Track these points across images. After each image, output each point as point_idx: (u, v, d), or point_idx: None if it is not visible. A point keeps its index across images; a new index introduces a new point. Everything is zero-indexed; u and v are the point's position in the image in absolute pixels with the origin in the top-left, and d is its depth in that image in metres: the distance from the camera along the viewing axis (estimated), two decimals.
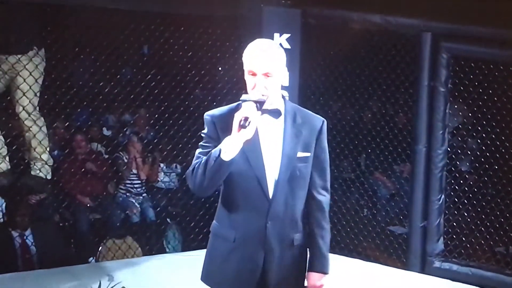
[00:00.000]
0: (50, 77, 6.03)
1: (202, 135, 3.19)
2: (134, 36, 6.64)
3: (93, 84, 6.72)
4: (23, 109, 5.55)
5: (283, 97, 3.25)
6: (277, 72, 3.13)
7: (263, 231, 3.14)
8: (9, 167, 5.61)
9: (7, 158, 5.60)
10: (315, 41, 6.13)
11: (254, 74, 3.10)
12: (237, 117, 2.99)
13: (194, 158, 3.14)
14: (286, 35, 5.88)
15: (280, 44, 5.83)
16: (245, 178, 3.12)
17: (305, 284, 3.29)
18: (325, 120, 3.28)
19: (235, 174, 3.09)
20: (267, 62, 3.09)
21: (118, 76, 6.73)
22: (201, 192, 3.12)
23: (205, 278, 3.28)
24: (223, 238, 3.20)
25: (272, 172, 3.15)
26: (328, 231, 3.30)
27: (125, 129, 7.33)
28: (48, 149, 5.77)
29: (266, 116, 3.12)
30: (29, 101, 5.56)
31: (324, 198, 3.28)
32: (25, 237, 5.64)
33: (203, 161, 3.05)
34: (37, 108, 5.66)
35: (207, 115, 3.21)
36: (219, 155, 2.99)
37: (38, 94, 5.64)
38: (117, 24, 6.49)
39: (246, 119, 2.98)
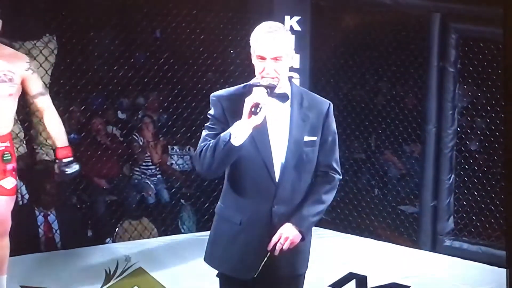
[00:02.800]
0: (66, 61, 6.12)
1: (209, 116, 3.17)
2: (146, 20, 6.71)
3: (107, 68, 6.80)
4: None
5: (290, 80, 3.24)
6: (286, 56, 3.12)
7: (269, 215, 3.15)
8: (27, 150, 5.68)
9: (25, 141, 5.67)
10: (325, 23, 6.16)
11: (263, 58, 3.07)
12: (248, 103, 2.98)
13: (201, 140, 3.12)
14: (297, 18, 5.91)
15: (291, 27, 5.91)
16: (252, 162, 3.12)
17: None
18: (331, 103, 3.28)
19: (242, 157, 3.09)
20: (276, 46, 3.07)
21: (132, 60, 6.79)
22: (209, 174, 3.12)
23: (208, 258, 3.29)
24: (229, 220, 3.19)
25: (279, 156, 3.15)
26: (323, 204, 3.23)
27: (139, 112, 7.40)
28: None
29: (273, 100, 3.10)
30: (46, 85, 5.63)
31: (332, 176, 3.26)
32: (49, 223, 5.73)
33: (211, 145, 3.04)
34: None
35: (214, 96, 3.19)
36: (229, 140, 2.99)
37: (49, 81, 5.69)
38: (130, 8, 6.57)
39: (257, 105, 2.97)
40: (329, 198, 3.26)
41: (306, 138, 3.17)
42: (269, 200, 3.15)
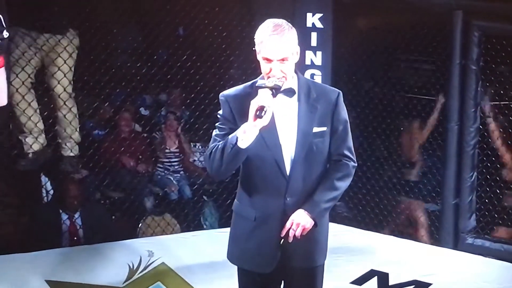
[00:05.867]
0: (89, 58, 6.18)
1: (218, 116, 3.21)
2: (169, 18, 6.75)
3: (130, 65, 6.85)
4: (64, 89, 5.65)
5: (297, 72, 3.23)
6: (292, 55, 3.11)
7: (282, 209, 3.18)
8: (46, 142, 5.72)
9: (43, 133, 5.70)
10: (347, 21, 6.16)
11: (269, 61, 3.07)
12: (253, 106, 2.98)
13: (211, 140, 3.15)
14: (319, 15, 5.92)
15: (313, 24, 5.92)
16: (262, 159, 3.15)
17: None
18: (340, 92, 3.27)
19: (252, 155, 3.12)
20: (282, 48, 3.06)
21: (155, 57, 6.84)
22: (218, 176, 3.15)
23: (230, 256, 3.35)
24: (244, 217, 3.25)
25: (288, 150, 3.17)
26: (336, 190, 3.23)
27: (161, 109, 7.45)
28: (78, 129, 5.86)
29: (280, 96, 3.10)
30: (69, 82, 5.67)
31: (345, 162, 3.26)
32: (74, 219, 5.81)
33: (220, 147, 3.06)
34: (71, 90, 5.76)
35: (222, 95, 3.21)
36: (236, 142, 3.00)
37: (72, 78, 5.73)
38: (152, 6, 6.62)
39: (262, 108, 2.97)
40: (342, 185, 3.26)
41: (315, 129, 3.18)
42: (281, 194, 3.18)
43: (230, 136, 3.05)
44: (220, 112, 3.20)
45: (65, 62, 5.61)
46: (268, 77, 3.08)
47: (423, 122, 6.17)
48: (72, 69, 5.69)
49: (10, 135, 5.70)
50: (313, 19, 5.90)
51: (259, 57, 3.13)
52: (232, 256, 3.34)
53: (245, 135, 2.99)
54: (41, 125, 5.65)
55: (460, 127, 5.55)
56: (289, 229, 3.14)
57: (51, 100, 5.76)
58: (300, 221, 3.15)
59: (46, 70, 5.65)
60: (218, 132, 3.17)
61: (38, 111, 5.61)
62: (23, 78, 5.44)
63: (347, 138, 3.28)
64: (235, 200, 3.35)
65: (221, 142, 3.09)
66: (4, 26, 4.76)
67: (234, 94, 3.21)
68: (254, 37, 3.14)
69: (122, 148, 6.54)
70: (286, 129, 3.17)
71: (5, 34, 4.79)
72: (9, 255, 5.16)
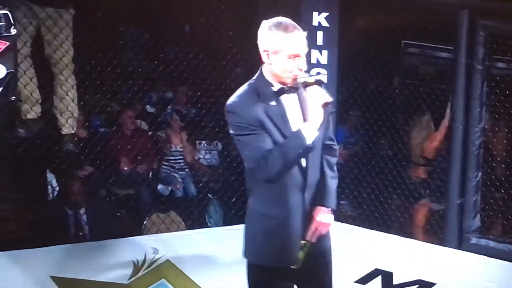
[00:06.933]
0: (96, 56, 6.20)
1: (240, 125, 3.13)
2: (175, 15, 6.77)
3: (137, 63, 6.88)
4: (60, 59, 5.54)
5: None
6: None
7: (302, 202, 3.22)
8: (40, 113, 5.63)
9: (39, 103, 5.61)
10: (353, 19, 6.17)
11: (297, 56, 3.10)
12: (315, 102, 3.07)
13: (251, 149, 3.10)
14: (325, 14, 5.92)
15: (319, 23, 5.93)
16: None
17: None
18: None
19: None
20: (305, 43, 3.13)
21: (161, 55, 6.86)
22: (277, 178, 3.14)
23: (249, 254, 3.33)
24: (265, 215, 3.23)
25: None
26: (337, 177, 3.35)
27: (167, 107, 7.47)
28: (75, 100, 5.76)
29: (288, 91, 3.16)
30: (66, 52, 5.55)
31: (335, 148, 3.36)
32: (79, 215, 5.82)
33: (278, 151, 3.07)
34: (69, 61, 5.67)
35: (233, 107, 3.14)
36: (302, 141, 3.06)
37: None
38: (158, 3, 6.64)
39: (327, 103, 3.08)
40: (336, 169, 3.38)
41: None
42: (300, 187, 3.21)
43: (288, 137, 3.09)
44: (239, 120, 3.13)
45: (61, 32, 5.50)
46: (294, 75, 3.11)
47: (433, 118, 6.17)
48: (70, 39, 5.57)
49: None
50: (319, 18, 5.90)
51: (278, 56, 3.12)
52: (253, 254, 3.32)
53: (310, 132, 3.07)
54: (36, 95, 5.57)
55: (465, 127, 5.54)
56: (315, 230, 3.22)
57: (49, 71, 5.66)
58: (325, 220, 3.25)
59: (44, 39, 5.55)
60: (257, 141, 3.10)
61: (34, 80, 5.51)
62: (19, 46, 5.24)
63: (331, 122, 3.37)
64: (250, 200, 3.33)
65: (272, 147, 3.09)
66: (12, 22, 4.80)
67: (242, 101, 3.16)
68: (266, 38, 3.13)
69: (129, 146, 6.56)
70: (297, 122, 3.19)
71: (13, 31, 4.83)
72: (14, 251, 5.18)
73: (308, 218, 3.23)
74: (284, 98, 3.16)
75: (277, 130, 3.13)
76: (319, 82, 3.11)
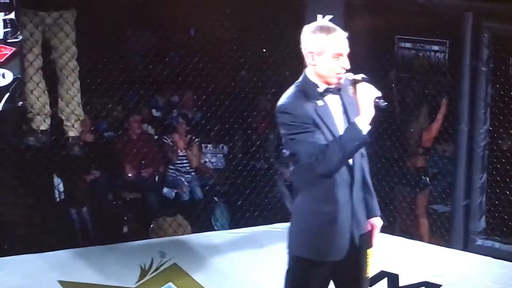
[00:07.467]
0: (102, 60, 6.23)
1: (294, 124, 3.24)
2: (181, 19, 6.80)
3: (143, 67, 6.91)
4: (66, 63, 5.54)
5: None
6: None
7: (350, 198, 3.35)
8: (51, 122, 5.65)
9: (49, 116, 5.64)
10: (358, 22, 6.17)
11: (340, 55, 3.25)
12: (369, 97, 3.20)
13: (308, 145, 3.21)
14: (329, 16, 5.93)
15: None
16: None
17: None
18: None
19: None
20: (346, 42, 3.29)
21: (167, 59, 6.89)
22: (335, 172, 3.26)
23: (297, 249, 3.41)
24: (316, 211, 3.33)
25: None
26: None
27: (173, 111, 7.50)
28: (80, 104, 5.74)
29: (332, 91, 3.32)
30: (71, 57, 5.55)
31: (363, 151, 3.46)
32: (83, 215, 5.85)
33: (336, 144, 3.20)
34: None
35: (286, 107, 3.27)
36: (359, 133, 3.18)
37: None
38: (164, 7, 6.66)
39: (380, 97, 3.22)
40: None
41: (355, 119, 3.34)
42: (348, 184, 3.34)
43: (344, 131, 3.23)
44: (292, 119, 3.25)
45: (67, 36, 5.50)
46: (338, 74, 3.26)
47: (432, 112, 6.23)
48: (75, 44, 5.56)
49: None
50: (323, 21, 5.90)
51: (323, 57, 3.25)
52: (302, 250, 3.40)
53: (365, 126, 3.19)
54: (48, 107, 5.60)
55: (470, 129, 5.54)
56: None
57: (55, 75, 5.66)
58: (379, 226, 3.55)
59: (49, 44, 5.55)
60: (313, 137, 3.23)
61: (46, 92, 5.55)
62: (31, 59, 5.35)
63: None
64: (298, 197, 3.41)
65: (325, 142, 3.21)
66: (18, 28, 4.83)
67: (294, 101, 3.29)
68: (310, 41, 3.28)
69: (134, 150, 6.59)
70: (340, 120, 3.33)
71: (19, 36, 4.86)
72: (21, 256, 5.21)
73: (355, 214, 3.37)
74: (328, 98, 3.31)
75: (326, 128, 3.26)
76: (366, 79, 3.26)
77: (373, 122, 3.24)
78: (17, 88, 4.90)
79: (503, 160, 5.73)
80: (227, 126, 6.63)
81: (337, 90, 3.30)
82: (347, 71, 3.30)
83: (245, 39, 6.51)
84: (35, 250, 5.26)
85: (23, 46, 5.04)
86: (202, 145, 7.12)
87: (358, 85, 3.25)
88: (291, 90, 3.33)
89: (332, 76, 3.27)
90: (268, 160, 7.11)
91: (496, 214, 5.66)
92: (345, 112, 3.33)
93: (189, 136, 7.02)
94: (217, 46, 6.67)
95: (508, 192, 5.69)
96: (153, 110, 7.58)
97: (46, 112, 5.58)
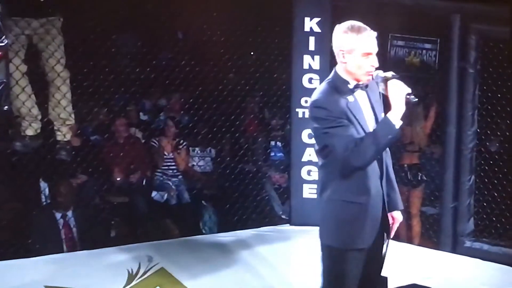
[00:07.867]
0: (89, 63, 6.20)
1: (329, 118, 3.33)
2: (169, 22, 6.78)
3: (130, 70, 6.88)
4: (52, 67, 5.48)
5: None
6: None
7: (381, 189, 3.44)
8: (40, 126, 5.62)
9: (38, 119, 5.65)
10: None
11: (369, 54, 3.34)
12: (400, 94, 3.29)
13: (343, 139, 3.30)
14: (317, 19, 5.95)
15: (311, 28, 5.95)
16: None
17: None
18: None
19: None
20: (375, 42, 3.36)
21: (154, 62, 6.87)
22: (369, 164, 3.36)
23: (330, 239, 3.48)
24: (349, 202, 3.41)
25: None
26: None
27: (160, 114, 7.47)
28: (66, 108, 5.68)
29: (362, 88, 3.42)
30: (58, 60, 5.49)
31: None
32: (67, 219, 5.82)
33: (370, 138, 3.30)
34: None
35: (321, 102, 3.36)
36: (392, 127, 3.27)
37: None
38: (151, 10, 6.64)
39: (410, 93, 3.30)
40: None
41: (382, 115, 3.44)
42: (379, 176, 3.44)
43: (378, 126, 3.33)
44: (326, 114, 3.34)
45: (53, 41, 5.46)
46: (367, 71, 3.34)
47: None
48: (62, 47, 5.52)
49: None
50: (311, 24, 5.93)
51: (353, 55, 3.34)
52: (336, 240, 3.46)
53: (397, 121, 3.28)
54: (35, 111, 5.56)
55: (458, 131, 5.56)
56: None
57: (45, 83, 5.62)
58: (400, 219, 3.62)
59: (37, 50, 5.50)
60: (346, 130, 3.32)
61: (32, 96, 5.51)
62: (17, 63, 5.31)
63: None
64: (329, 190, 3.46)
65: (363, 135, 3.31)
66: (3, 33, 4.79)
67: (328, 97, 3.37)
68: (342, 40, 3.35)
69: (121, 153, 6.55)
70: (369, 116, 3.41)
71: (4, 40, 4.82)
72: (8, 261, 5.17)
73: (384, 205, 3.46)
74: (357, 94, 3.41)
75: (358, 122, 3.36)
76: (395, 77, 3.34)
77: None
78: (2, 92, 4.85)
79: (491, 162, 5.76)
80: (214, 129, 6.61)
81: (365, 87, 3.41)
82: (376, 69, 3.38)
83: (233, 42, 6.49)
84: (21, 255, 5.22)
85: (8, 50, 4.99)
86: (190, 148, 7.09)
87: (389, 82, 3.34)
88: (323, 86, 3.44)
89: (361, 73, 3.37)
90: (256, 163, 7.10)
91: (485, 216, 5.68)
92: (372, 108, 3.44)
93: (176, 139, 6.99)
94: (205, 49, 6.65)
95: (496, 194, 5.72)
96: (141, 114, 7.55)
97: (33, 116, 5.55)
